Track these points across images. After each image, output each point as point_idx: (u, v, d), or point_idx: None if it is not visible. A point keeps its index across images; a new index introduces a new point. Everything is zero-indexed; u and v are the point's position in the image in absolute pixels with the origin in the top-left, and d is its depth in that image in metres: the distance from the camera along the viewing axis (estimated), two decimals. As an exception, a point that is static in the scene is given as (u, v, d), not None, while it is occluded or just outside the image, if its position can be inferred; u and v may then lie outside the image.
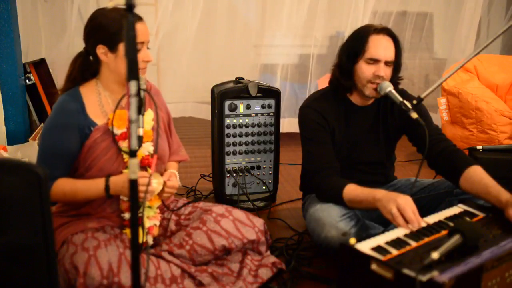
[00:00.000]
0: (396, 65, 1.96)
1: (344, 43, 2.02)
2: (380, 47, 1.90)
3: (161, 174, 1.85)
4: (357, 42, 1.94)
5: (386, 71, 1.92)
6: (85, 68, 1.73)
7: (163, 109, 1.93)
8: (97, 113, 1.72)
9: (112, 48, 1.65)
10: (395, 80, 1.99)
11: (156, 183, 1.71)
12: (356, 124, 2.05)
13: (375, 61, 1.90)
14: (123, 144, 1.70)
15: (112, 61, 1.67)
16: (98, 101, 1.73)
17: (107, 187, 1.64)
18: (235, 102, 2.55)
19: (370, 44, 1.90)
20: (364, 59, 1.92)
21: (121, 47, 1.64)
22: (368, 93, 1.95)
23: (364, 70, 1.92)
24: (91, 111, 1.71)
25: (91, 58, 1.71)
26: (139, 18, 1.66)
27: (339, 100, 2.04)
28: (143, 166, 1.75)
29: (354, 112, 2.05)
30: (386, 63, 1.91)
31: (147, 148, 1.77)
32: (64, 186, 1.65)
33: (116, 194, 1.67)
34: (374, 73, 1.90)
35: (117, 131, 1.70)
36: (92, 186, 1.66)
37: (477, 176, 1.76)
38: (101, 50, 1.66)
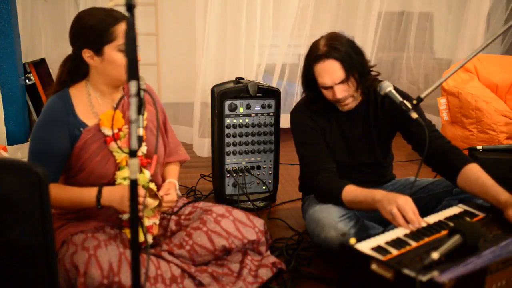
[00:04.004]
0: (356, 73, 1.88)
1: (301, 72, 2.02)
2: (325, 76, 1.87)
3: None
4: (308, 73, 1.95)
5: (344, 90, 1.89)
6: (74, 71, 1.72)
7: (158, 108, 1.92)
8: (88, 114, 1.70)
9: (98, 52, 1.63)
10: (364, 82, 1.93)
11: (151, 203, 1.69)
12: (348, 129, 2.06)
13: (328, 87, 1.90)
14: (115, 145, 1.69)
15: (99, 64, 1.65)
16: (88, 102, 1.71)
17: (98, 200, 1.62)
18: (235, 102, 2.55)
19: (316, 74, 1.90)
20: (320, 87, 1.93)
21: (107, 50, 1.62)
22: (342, 109, 1.97)
23: (326, 95, 1.94)
24: (81, 112, 1.69)
25: (79, 61, 1.68)
26: (125, 17, 1.61)
27: (327, 106, 2.04)
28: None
29: (343, 117, 2.05)
30: (339, 83, 1.88)
31: (140, 148, 1.75)
32: (55, 192, 1.62)
33: (109, 206, 1.64)
34: (333, 97, 1.91)
35: (109, 132, 1.69)
36: (84, 195, 1.64)
37: (473, 175, 1.75)
38: (87, 54, 1.64)
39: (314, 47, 1.92)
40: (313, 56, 1.89)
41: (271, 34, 3.79)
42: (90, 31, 1.60)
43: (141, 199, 1.57)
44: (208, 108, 3.45)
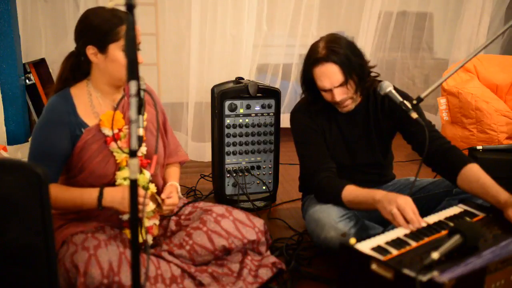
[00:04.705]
0: (355, 75, 1.87)
1: (300, 73, 2.01)
2: (324, 79, 1.87)
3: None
4: (307, 75, 1.95)
5: (343, 92, 1.89)
6: (76, 68, 1.72)
7: (158, 109, 1.92)
8: (88, 114, 1.70)
9: (102, 50, 1.64)
10: (363, 84, 1.93)
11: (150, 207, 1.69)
12: (348, 129, 2.06)
13: (327, 90, 1.90)
14: (115, 146, 1.69)
15: (102, 62, 1.66)
16: (89, 102, 1.72)
17: (100, 201, 1.62)
18: (235, 102, 2.55)
19: (315, 77, 1.90)
20: (320, 89, 1.93)
21: (111, 48, 1.63)
22: (341, 111, 1.97)
23: (325, 97, 1.94)
24: (82, 112, 1.70)
25: (82, 58, 1.69)
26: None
27: (326, 107, 2.04)
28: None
29: (343, 117, 2.05)
30: (338, 86, 1.87)
31: (140, 149, 1.75)
32: (56, 193, 1.62)
33: (110, 207, 1.65)
34: (332, 99, 1.91)
35: (109, 132, 1.69)
36: (85, 196, 1.64)
37: (473, 175, 1.75)
38: (90, 51, 1.64)
39: (313, 49, 1.91)
40: (312, 59, 1.89)
41: (274, 34, 3.80)
42: (96, 29, 1.62)
43: (141, 199, 1.57)
44: (203, 109, 3.46)
